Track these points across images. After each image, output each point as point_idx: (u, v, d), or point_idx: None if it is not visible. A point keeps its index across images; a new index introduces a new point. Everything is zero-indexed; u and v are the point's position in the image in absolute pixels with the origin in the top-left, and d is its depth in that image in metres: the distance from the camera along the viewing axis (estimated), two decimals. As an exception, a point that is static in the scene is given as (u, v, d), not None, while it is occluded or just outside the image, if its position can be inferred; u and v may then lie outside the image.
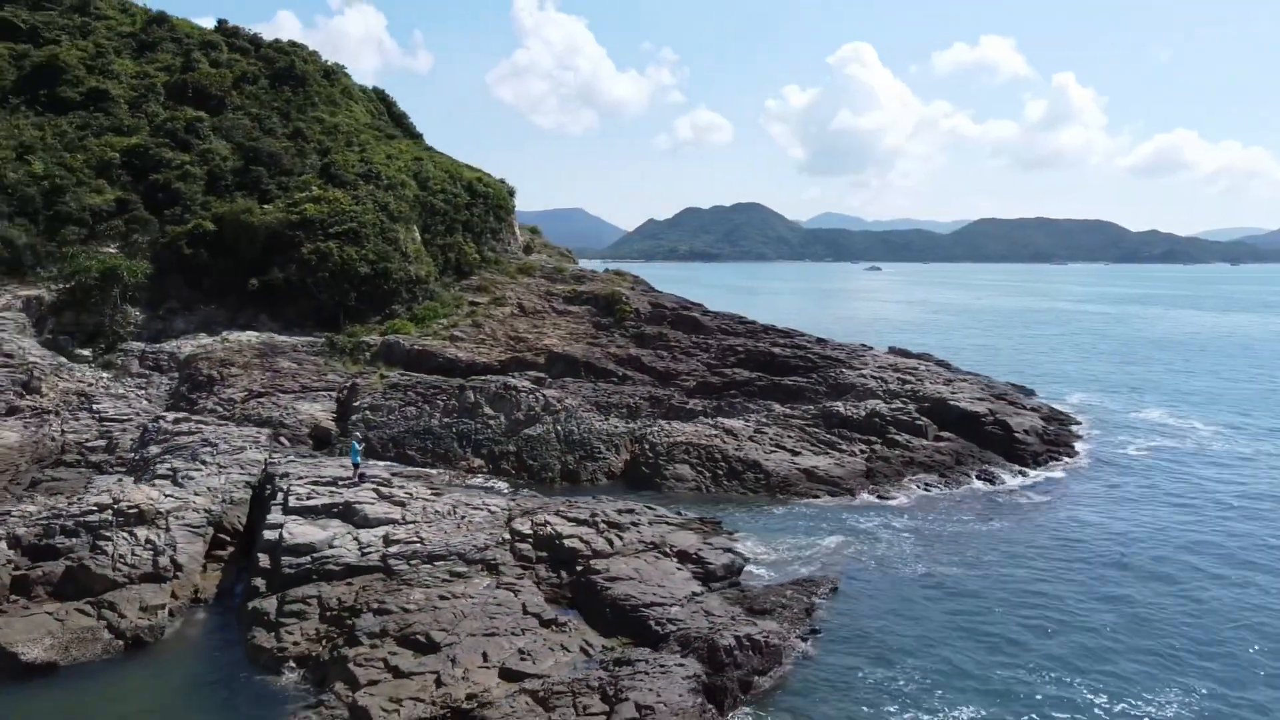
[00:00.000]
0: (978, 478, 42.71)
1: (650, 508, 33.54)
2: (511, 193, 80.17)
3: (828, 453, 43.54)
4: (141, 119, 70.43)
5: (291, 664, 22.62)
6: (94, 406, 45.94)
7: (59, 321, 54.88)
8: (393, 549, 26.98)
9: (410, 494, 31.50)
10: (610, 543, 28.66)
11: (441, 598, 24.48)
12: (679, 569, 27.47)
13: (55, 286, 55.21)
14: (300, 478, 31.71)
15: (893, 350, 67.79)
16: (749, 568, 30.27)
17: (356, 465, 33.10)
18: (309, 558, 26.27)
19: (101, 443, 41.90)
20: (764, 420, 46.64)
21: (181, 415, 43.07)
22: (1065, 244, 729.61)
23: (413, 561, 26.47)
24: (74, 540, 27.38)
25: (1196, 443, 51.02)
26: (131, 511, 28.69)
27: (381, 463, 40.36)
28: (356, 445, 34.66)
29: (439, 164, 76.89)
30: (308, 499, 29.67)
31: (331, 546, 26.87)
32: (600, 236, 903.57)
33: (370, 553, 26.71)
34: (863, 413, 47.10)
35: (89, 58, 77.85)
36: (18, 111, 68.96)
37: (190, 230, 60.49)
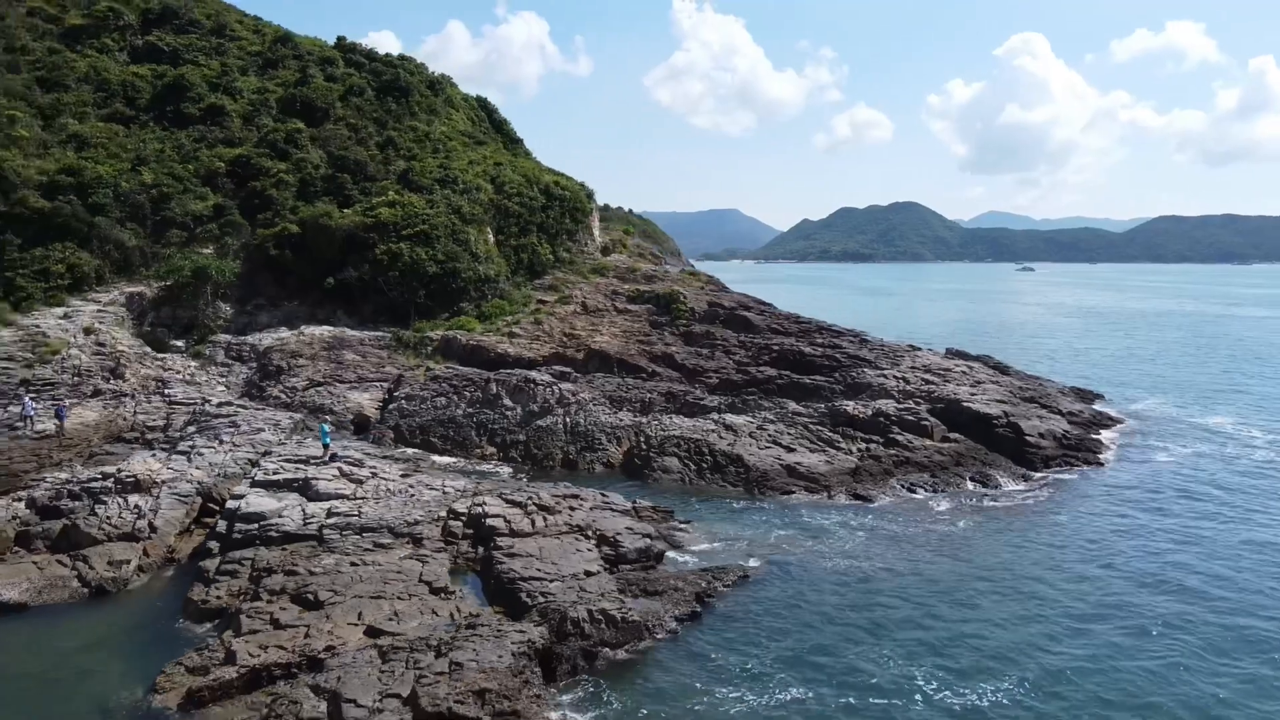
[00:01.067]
0: (972, 479, 42.38)
1: (604, 495, 35.52)
2: (590, 195, 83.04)
3: (823, 450, 44.19)
4: (251, 131, 77.06)
5: (211, 616, 25.86)
6: (166, 391, 51.40)
7: (158, 315, 61.21)
8: (331, 520, 30.08)
9: (374, 473, 34.64)
10: (533, 523, 30.86)
11: (351, 564, 27.31)
12: (589, 551, 29.36)
13: (156, 284, 61.63)
14: (279, 456, 35.34)
15: (949, 352, 66.87)
16: (675, 555, 31.85)
17: (326, 446, 36.53)
18: (257, 525, 29.67)
19: (161, 423, 47.07)
20: (771, 417, 47.61)
21: (225, 400, 47.90)
22: (1255, 243, 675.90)
23: (345, 532, 29.48)
24: (76, 503, 31.77)
25: (1240, 452, 48.53)
26: (129, 480, 32.95)
27: (368, 447, 43.86)
28: (325, 428, 38.18)
29: (519, 168, 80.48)
30: (274, 474, 33.23)
31: (280, 516, 30.20)
32: (755, 237, 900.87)
33: (311, 523, 29.89)
34: (869, 412, 47.38)
35: (214, 76, 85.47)
36: (146, 127, 76.80)
37: (277, 233, 66.11)
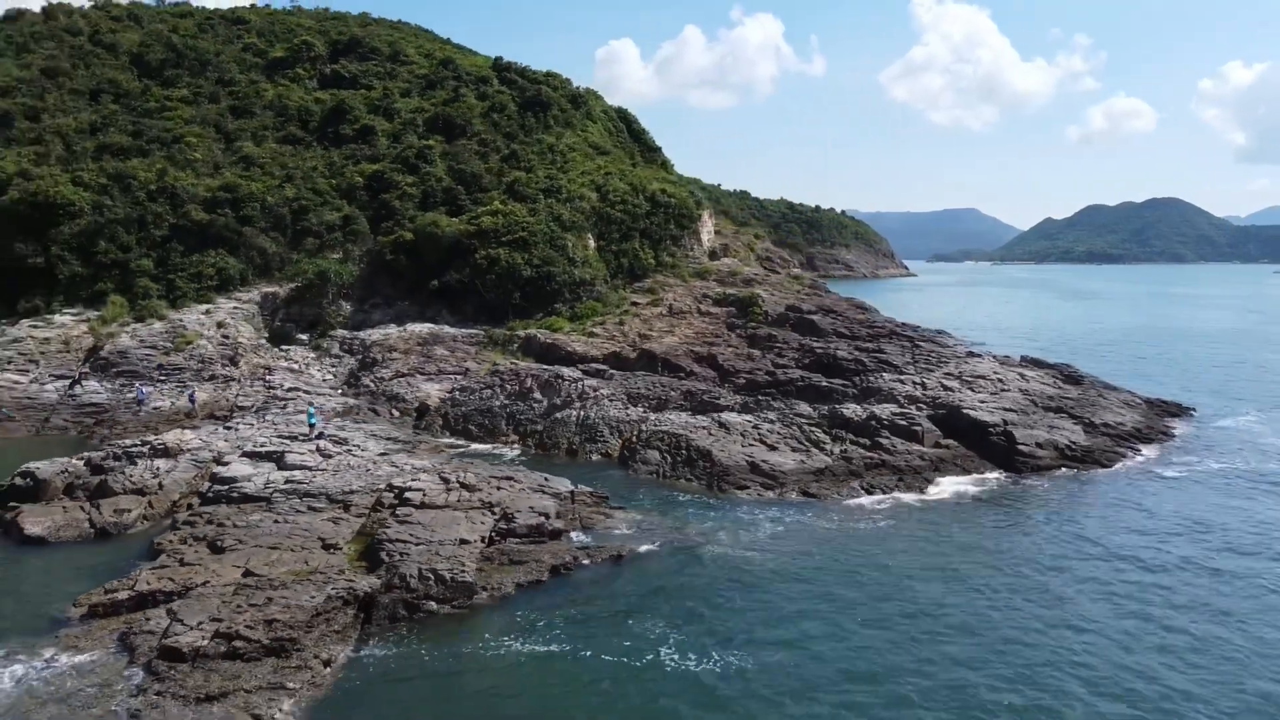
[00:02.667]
0: (930, 482, 43.21)
1: (547, 478, 39.65)
2: (698, 203, 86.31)
3: (806, 450, 45.94)
4: (394, 149, 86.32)
5: (163, 555, 32.24)
6: (268, 378, 60.12)
7: (288, 312, 70.84)
8: (285, 486, 36.05)
9: (350, 450, 40.43)
10: (448, 498, 35.46)
11: (274, 521, 33.05)
12: (482, 524, 33.62)
13: (287, 285, 71.31)
14: (274, 434, 41.93)
15: (1024, 359, 65.28)
16: (579, 535, 35.50)
17: (313, 426, 42.74)
18: (227, 487, 36.12)
19: (254, 405, 55.47)
20: (772, 418, 49.68)
21: (293, 385, 55.59)
22: None
23: (290, 496, 35.34)
24: (118, 463, 39.57)
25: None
26: (160, 447, 40.51)
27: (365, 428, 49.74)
28: (311, 410, 44.41)
29: (631, 177, 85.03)
30: (261, 446, 39.74)
31: (248, 481, 36.53)
32: (993, 237, 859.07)
33: (268, 488, 35.98)
34: (864, 415, 48.43)
35: (378, 99, 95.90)
36: (310, 147, 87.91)
37: (394, 240, 74.43)
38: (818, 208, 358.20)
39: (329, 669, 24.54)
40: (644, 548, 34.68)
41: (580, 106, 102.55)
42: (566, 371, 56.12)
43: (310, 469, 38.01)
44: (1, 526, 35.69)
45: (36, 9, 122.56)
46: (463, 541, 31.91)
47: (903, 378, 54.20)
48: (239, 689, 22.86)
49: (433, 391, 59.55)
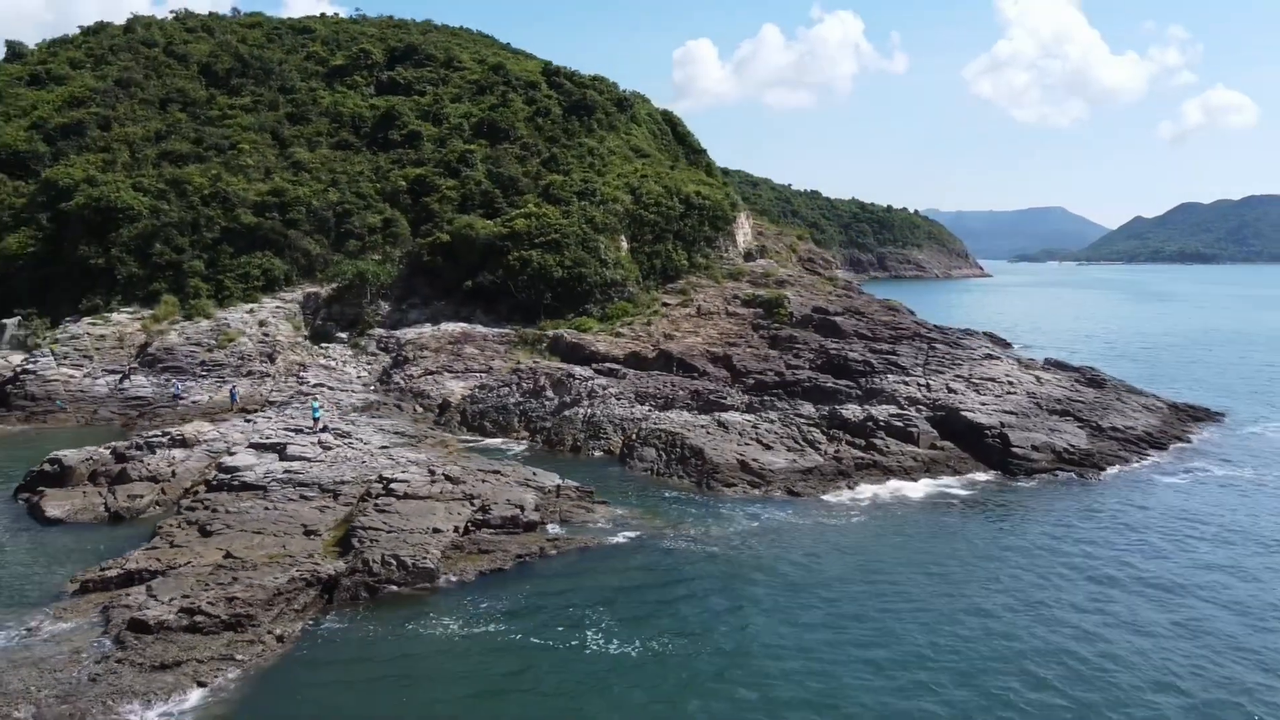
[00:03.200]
0: (926, 483, 43.55)
1: (535, 472, 41.27)
2: (734, 205, 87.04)
3: (800, 450, 46.69)
4: (438, 153, 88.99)
5: (158, 537, 34.64)
6: (302, 375, 63.04)
7: (329, 311, 73.90)
8: (281, 476, 38.29)
9: (352, 443, 42.60)
10: (431, 489, 37.29)
11: (265, 508, 35.28)
12: (458, 514, 35.37)
13: (328, 285, 74.39)
14: (284, 427, 44.33)
15: (1048, 362, 64.74)
16: (555, 527, 36.98)
17: (317, 420, 45.03)
18: (230, 475, 38.51)
19: (281, 399, 58.32)
20: (773, 417, 50.51)
21: (319, 382, 58.26)
22: None
23: (286, 486, 37.56)
24: (139, 453, 42.42)
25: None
26: (179, 437, 43.27)
27: (371, 422, 51.78)
28: (315, 404, 46.67)
29: (668, 179, 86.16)
30: (267, 438, 42.16)
31: (250, 470, 38.87)
32: (1080, 236, 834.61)
33: (266, 477, 38.25)
34: (861, 416, 48.91)
35: (428, 105, 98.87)
36: (360, 152, 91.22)
37: (431, 242, 76.98)
38: (889, 207, 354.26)
39: (280, 643, 26.45)
40: (614, 540, 36.03)
41: (625, 110, 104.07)
42: (579, 370, 57.75)
43: (309, 460, 40.25)
44: (27, 508, 38.70)
45: (120, 20, 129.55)
46: (435, 530, 33.67)
47: (908, 380, 54.42)
48: (192, 659, 24.90)
49: (456, 389, 61.70)
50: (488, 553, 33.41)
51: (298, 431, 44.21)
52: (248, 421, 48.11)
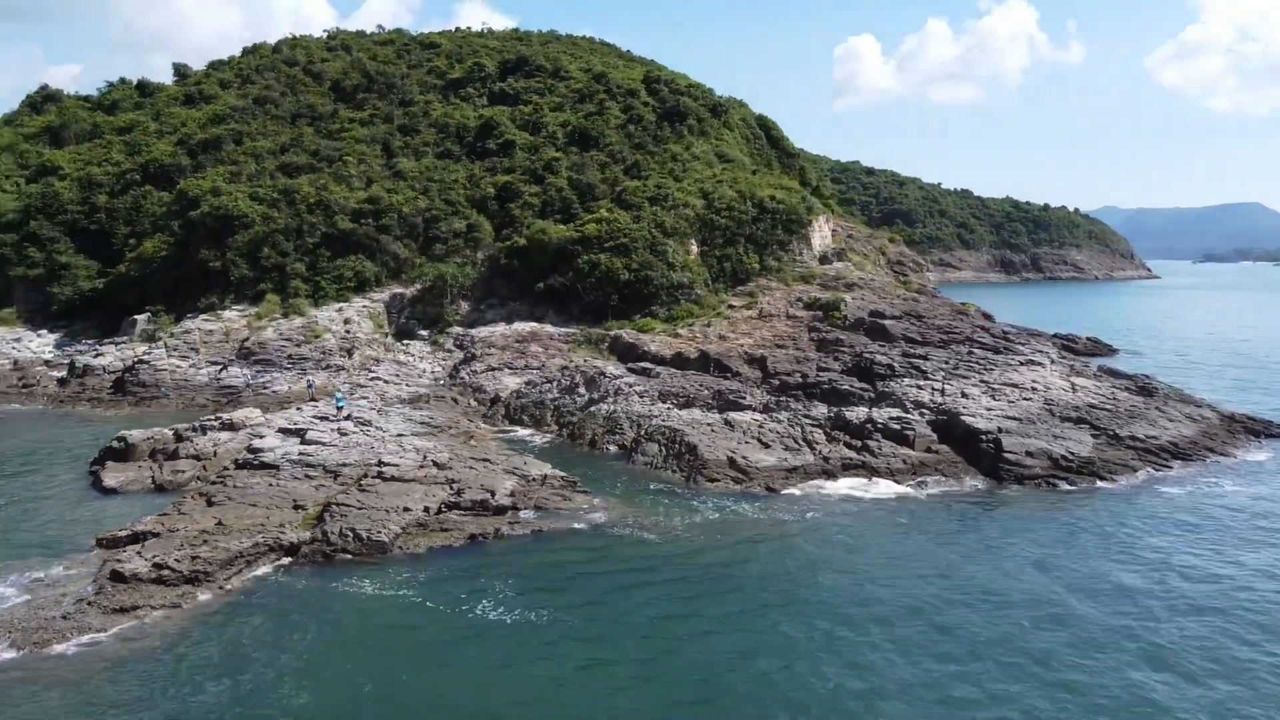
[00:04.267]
0: (908, 484, 44.42)
1: (526, 461, 44.77)
2: (809, 208, 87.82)
3: (797, 449, 48.25)
4: (527, 160, 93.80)
5: (172, 506, 39.87)
6: (374, 369, 68.69)
7: (412, 310, 79.72)
8: (295, 457, 43.11)
9: (368, 430, 47.10)
10: (418, 474, 41.22)
11: (269, 485, 40.06)
12: (433, 497, 39.15)
13: (413, 286, 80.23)
14: (312, 415, 49.31)
15: (1101, 370, 63.17)
16: (528, 513, 40.15)
17: (340, 409, 49.71)
18: (254, 455, 43.65)
19: (346, 389, 63.91)
20: (782, 417, 52.12)
21: (375, 375, 63.46)
22: None
23: (295, 466, 42.33)
24: (194, 434, 48.37)
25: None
26: (227, 421, 48.99)
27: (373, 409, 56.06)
28: (339, 394, 51.30)
29: (740, 184, 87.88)
30: (293, 424, 47.18)
31: (271, 451, 43.91)
32: (1278, 234, 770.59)
33: (284, 458, 43.15)
34: (861, 419, 49.87)
35: (528, 115, 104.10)
36: (459, 160, 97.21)
37: (509, 246, 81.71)
38: (1046, 206, 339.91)
39: (225, 594, 30.85)
40: (572, 526, 39.00)
41: (719, 116, 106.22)
42: (610, 369, 60.82)
43: (324, 444, 45.01)
44: (91, 478, 45.06)
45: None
46: (405, 510, 37.58)
47: (923, 384, 54.67)
48: (147, 604, 29.55)
49: (509, 384, 65.89)
50: (446, 531, 37.02)
51: (323, 419, 49.21)
52: (298, 410, 53.59)
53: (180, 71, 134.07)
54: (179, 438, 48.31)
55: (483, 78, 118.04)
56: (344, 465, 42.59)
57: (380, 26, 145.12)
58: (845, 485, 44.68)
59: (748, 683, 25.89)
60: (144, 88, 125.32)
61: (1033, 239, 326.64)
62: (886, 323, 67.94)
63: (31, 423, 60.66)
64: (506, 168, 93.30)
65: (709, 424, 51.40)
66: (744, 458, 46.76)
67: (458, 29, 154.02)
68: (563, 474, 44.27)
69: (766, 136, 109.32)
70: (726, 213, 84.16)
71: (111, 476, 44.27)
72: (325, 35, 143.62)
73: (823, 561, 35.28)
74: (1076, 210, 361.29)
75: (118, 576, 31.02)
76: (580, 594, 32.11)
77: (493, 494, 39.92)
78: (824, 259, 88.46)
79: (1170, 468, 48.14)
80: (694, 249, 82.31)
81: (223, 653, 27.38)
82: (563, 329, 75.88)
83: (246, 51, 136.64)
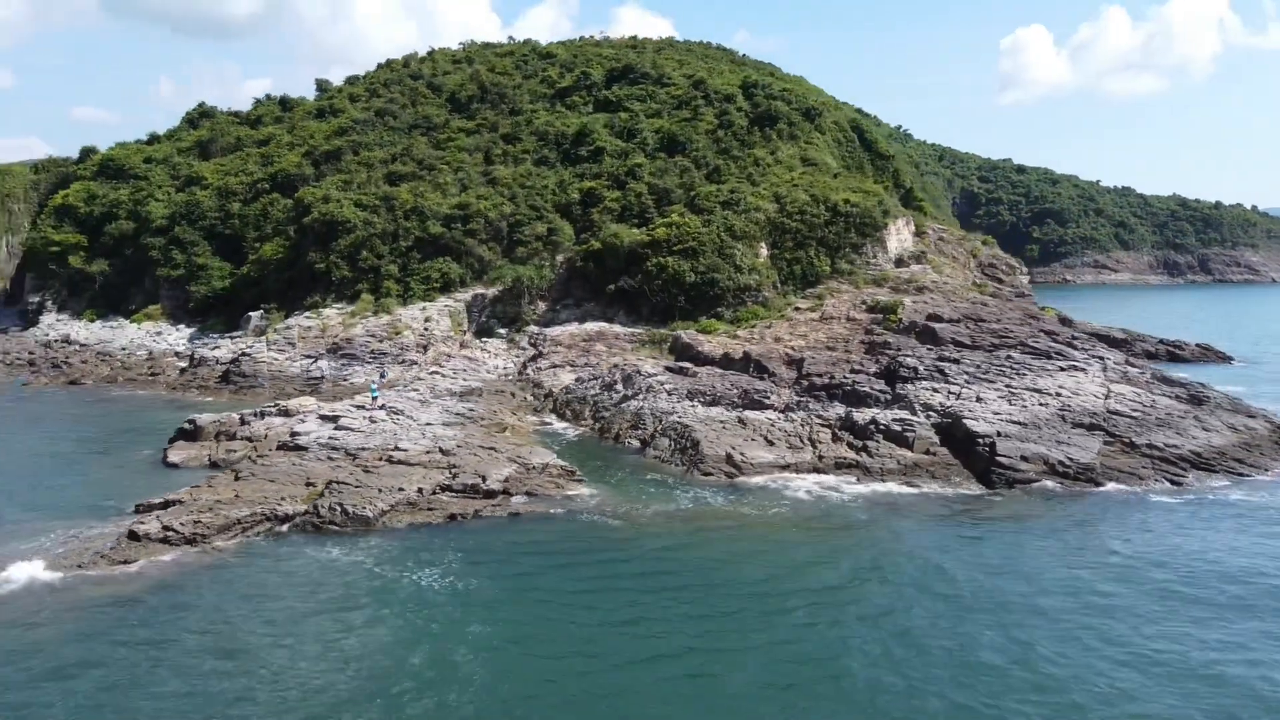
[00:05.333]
0: (892, 484, 45.43)
1: (532, 450, 48.15)
2: (885, 211, 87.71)
3: (798, 448, 49.85)
4: (612, 166, 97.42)
5: (205, 479, 45.17)
6: (444, 363, 73.75)
7: (493, 310, 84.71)
8: (324, 441, 47.97)
9: (397, 419, 51.56)
10: (424, 459, 45.25)
11: (292, 464, 44.95)
12: (427, 479, 43.09)
13: (494, 287, 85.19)
14: (350, 404, 54.19)
15: (1154, 376, 61.30)
16: (520, 498, 43.52)
17: (375, 399, 54.29)
18: (293, 438, 48.80)
19: (380, 380, 69.05)
20: (795, 417, 53.71)
21: (435, 369, 68.28)
22: None
23: (322, 449, 47.15)
24: (255, 419, 54.18)
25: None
26: (284, 409, 54.57)
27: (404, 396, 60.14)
28: (374, 385, 55.79)
29: (815, 188, 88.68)
30: (332, 411, 52.14)
31: (306, 435, 48.96)
32: None
33: (313, 442, 48.09)
34: (866, 419, 50.84)
35: (624, 121, 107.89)
36: (553, 167, 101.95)
37: (584, 249, 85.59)
38: (1218, 204, 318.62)
39: (217, 553, 35.56)
40: (551, 510, 42.18)
41: (813, 119, 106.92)
42: (646, 367, 63.57)
43: (353, 430, 49.75)
44: (162, 455, 51.39)
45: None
46: (399, 489, 41.67)
47: (940, 387, 54.82)
48: (147, 558, 34.55)
49: (563, 380, 69.63)
50: (431, 510, 40.87)
51: (360, 408, 54.10)
52: (353, 397, 58.87)
53: (321, 86, 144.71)
54: (242, 421, 54.21)
55: (588, 86, 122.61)
56: (363, 449, 47.13)
57: (503, 38, 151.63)
58: (829, 481, 46.06)
59: (619, 648, 28.36)
60: (285, 103, 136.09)
61: (1201, 239, 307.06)
62: (938, 326, 67.84)
63: (144, 405, 68.57)
64: (595, 173, 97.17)
65: (722, 421, 53.49)
66: (741, 454, 48.70)
67: (582, 38, 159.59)
68: (563, 464, 47.46)
69: (860, 139, 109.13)
70: (798, 216, 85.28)
71: (176, 454, 50.41)
72: (459, 47, 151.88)
73: (747, 551, 37.20)
74: (1254, 208, 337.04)
75: (133, 535, 36.25)
76: (512, 568, 35.22)
77: (484, 479, 43.50)
78: (899, 262, 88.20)
79: (1185, 477, 46.97)
80: (764, 252, 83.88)
81: (182, 594, 32.04)
82: (629, 329, 79.05)
83: (381, 66, 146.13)
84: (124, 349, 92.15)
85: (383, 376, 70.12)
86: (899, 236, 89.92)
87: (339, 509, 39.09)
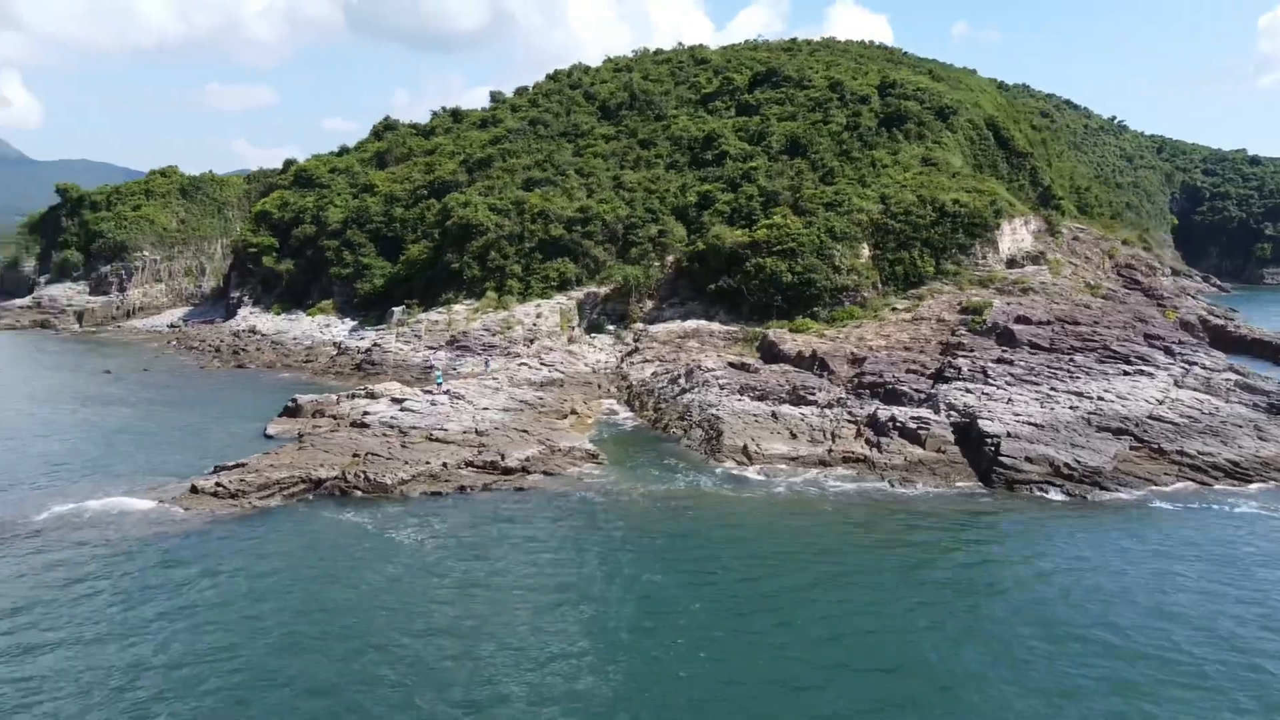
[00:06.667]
0: (889, 481, 46.62)
1: (557, 433, 52.53)
2: (998, 212, 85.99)
3: (818, 442, 51.76)
4: (735, 169, 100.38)
5: (280, 448, 52.33)
6: (544, 357, 79.46)
7: (604, 308, 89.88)
8: (386, 420, 54.29)
9: (457, 404, 57.25)
10: (460, 436, 50.62)
11: (350, 438, 51.42)
12: (454, 455, 48.39)
13: (605, 286, 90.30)
14: (421, 390, 60.31)
15: (1238, 385, 58.19)
16: (537, 476, 48.12)
17: (439, 385, 59.96)
18: (363, 416, 55.48)
19: (517, 373, 75.02)
20: (830, 413, 55.37)
21: (522, 362, 73.84)
22: None
23: (380, 427, 53.45)
24: (347, 400, 61.54)
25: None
26: (371, 391, 61.63)
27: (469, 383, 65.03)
28: (439, 373, 61.26)
29: (925, 189, 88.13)
30: (403, 395, 58.44)
31: (373, 415, 55.51)
32: None
33: (376, 421, 54.52)
34: (886, 417, 51.87)
35: (755, 125, 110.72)
36: (681, 171, 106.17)
37: (690, 250, 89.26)
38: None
39: (252, 508, 42.17)
40: (556, 487, 46.43)
41: (946, 118, 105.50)
42: (708, 362, 66.48)
43: (413, 412, 55.87)
44: (264, 428, 59.58)
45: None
46: (425, 463, 47.20)
47: (975, 388, 54.58)
48: (192, 508, 41.62)
49: (645, 374, 73.66)
50: (446, 481, 46.11)
51: (427, 392, 60.25)
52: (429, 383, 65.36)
53: (494, 97, 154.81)
54: (337, 401, 61.74)
55: (731, 91, 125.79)
56: (414, 428, 53.12)
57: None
58: (828, 474, 47.73)
59: (555, 603, 32.31)
60: (456, 114, 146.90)
61: None
62: (1017, 328, 66.96)
63: (283, 386, 78.13)
64: (716, 176, 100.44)
65: (755, 415, 55.92)
66: (757, 445, 51.17)
67: (746, 41, 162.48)
68: (589, 448, 51.65)
69: (995, 137, 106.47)
70: (903, 217, 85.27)
71: (274, 427, 58.40)
72: (633, 54, 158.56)
73: (678, 528, 40.10)
74: None
75: (193, 489, 43.56)
76: (485, 532, 39.70)
77: (503, 457, 48.37)
78: (1012, 262, 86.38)
79: (1210, 485, 45.53)
80: (865, 253, 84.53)
81: (212, 537, 38.57)
82: (725, 327, 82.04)
83: (550, 77, 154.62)
84: (294, 339, 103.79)
85: (487, 366, 76.51)
86: (1014, 236, 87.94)
87: (363, 476, 45.02)
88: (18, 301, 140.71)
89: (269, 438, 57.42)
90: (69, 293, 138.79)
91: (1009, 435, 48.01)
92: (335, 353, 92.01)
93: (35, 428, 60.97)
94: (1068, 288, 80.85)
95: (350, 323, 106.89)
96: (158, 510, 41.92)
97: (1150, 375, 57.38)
